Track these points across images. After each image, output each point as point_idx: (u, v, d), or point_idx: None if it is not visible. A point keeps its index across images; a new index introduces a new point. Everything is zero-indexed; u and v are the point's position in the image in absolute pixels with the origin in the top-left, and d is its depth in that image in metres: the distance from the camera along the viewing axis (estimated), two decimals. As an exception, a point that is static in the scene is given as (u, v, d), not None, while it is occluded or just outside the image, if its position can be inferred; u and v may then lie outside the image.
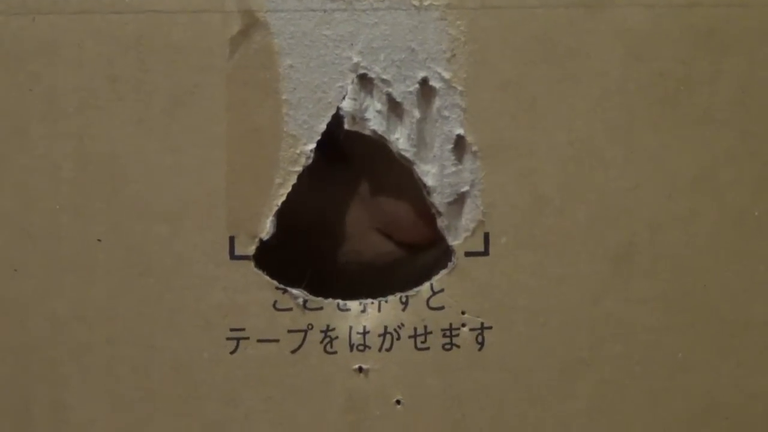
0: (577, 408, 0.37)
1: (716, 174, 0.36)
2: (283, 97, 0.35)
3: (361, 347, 0.36)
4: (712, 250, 0.36)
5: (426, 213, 0.37)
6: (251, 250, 0.36)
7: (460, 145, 0.36)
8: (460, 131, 0.36)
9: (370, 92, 0.35)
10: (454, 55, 0.35)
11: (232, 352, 0.36)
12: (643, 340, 0.36)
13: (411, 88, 0.35)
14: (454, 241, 0.36)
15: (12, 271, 0.36)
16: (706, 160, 0.36)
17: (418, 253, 0.42)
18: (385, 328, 0.36)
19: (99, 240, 0.36)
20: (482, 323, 0.36)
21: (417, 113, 0.36)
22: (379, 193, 0.40)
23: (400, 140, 0.36)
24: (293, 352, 0.36)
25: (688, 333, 0.36)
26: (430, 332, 0.36)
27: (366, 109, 0.36)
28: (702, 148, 0.36)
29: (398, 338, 0.36)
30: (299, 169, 0.35)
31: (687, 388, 0.37)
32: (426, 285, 0.36)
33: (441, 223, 0.36)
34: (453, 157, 0.36)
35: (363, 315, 0.37)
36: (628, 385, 0.36)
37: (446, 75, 0.35)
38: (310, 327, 0.36)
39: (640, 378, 0.36)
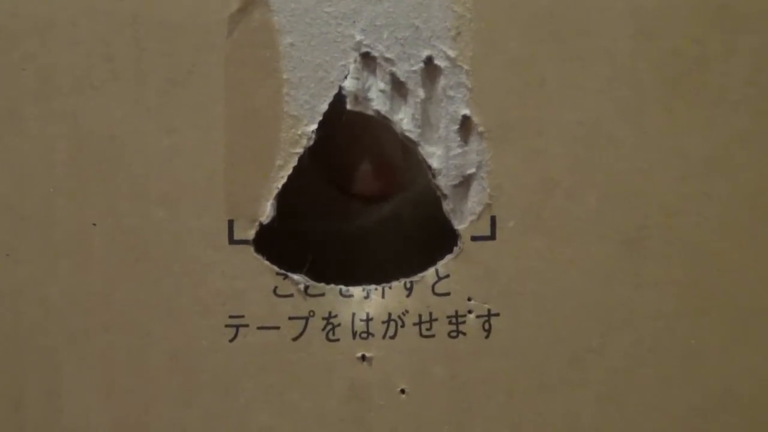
0: (586, 396, 0.36)
1: (730, 155, 0.35)
2: (284, 76, 0.34)
3: (364, 335, 0.36)
4: (725, 234, 0.35)
5: (380, 164, 0.36)
6: (251, 234, 0.35)
7: (466, 125, 0.35)
8: (466, 111, 0.35)
9: (373, 71, 0.35)
10: (459, 33, 0.35)
11: (231, 340, 0.35)
12: (654, 326, 0.36)
13: (415, 67, 0.35)
14: (460, 225, 0.36)
15: (4, 256, 0.35)
16: (719, 140, 0.35)
17: (373, 206, 0.41)
18: (389, 315, 0.36)
19: (94, 224, 0.35)
20: (489, 310, 0.36)
21: (421, 93, 0.35)
22: (331, 146, 0.39)
23: (404, 121, 0.35)
24: (294, 339, 0.35)
25: (701, 319, 0.36)
26: (436, 319, 0.36)
27: (369, 89, 0.35)
28: (715, 129, 0.35)
29: (402, 325, 0.36)
30: (300, 150, 0.35)
31: (700, 376, 0.36)
32: (431, 270, 0.36)
33: (446, 206, 0.36)
34: (459, 139, 0.35)
35: (366, 301, 0.36)
36: (639, 373, 0.36)
37: (451, 53, 0.35)
38: (311, 314, 0.35)
39: (651, 366, 0.36)
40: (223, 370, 0.35)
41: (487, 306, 0.36)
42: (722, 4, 0.35)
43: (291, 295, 0.35)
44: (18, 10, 0.34)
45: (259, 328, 0.35)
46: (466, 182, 0.35)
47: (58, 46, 0.34)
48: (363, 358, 0.35)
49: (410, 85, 0.35)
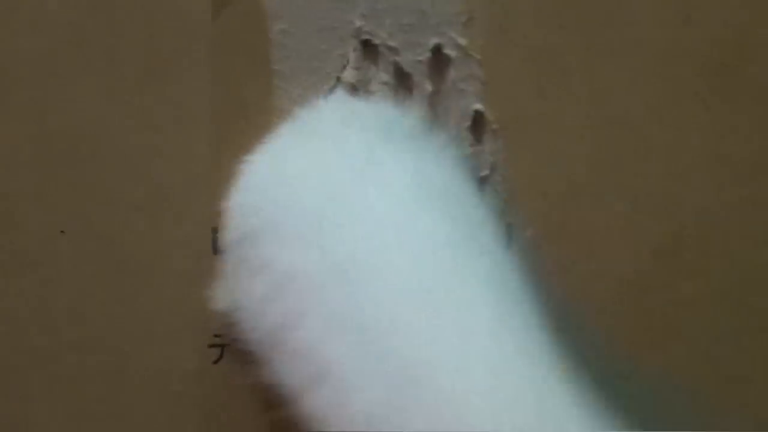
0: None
1: None
2: (275, 66, 0.33)
3: None
4: None
5: None
6: None
7: (478, 122, 0.34)
8: (479, 106, 0.34)
9: (374, 61, 0.34)
10: (471, 19, 0.33)
11: (216, 362, 0.34)
12: (689, 348, 0.34)
13: (421, 57, 0.33)
14: (472, 234, 0.34)
15: None
16: (763, 141, 0.34)
17: None
18: None
19: (62, 231, 0.33)
20: (504, 328, 0.33)
21: (429, 86, 0.34)
22: None
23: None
24: None
25: (741, 340, 0.34)
26: (444, 337, 0.34)
27: (370, 81, 0.34)
28: (759, 129, 0.34)
29: None
30: None
31: (739, 403, 0.34)
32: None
33: (456, 212, 0.34)
34: (470, 136, 0.34)
35: (368, 317, 0.34)
36: (670, 399, 0.34)
37: (462, 42, 0.33)
38: None
39: (685, 392, 0.34)
40: (207, 396, 0.34)
41: (501, 324, 0.34)
42: (768, -13, 0.33)
43: None
44: (-26, -12, 0.33)
45: None
46: (478, 185, 0.34)
47: (20, 29, 0.33)
48: None
49: (416, 76, 0.34)
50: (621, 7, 0.33)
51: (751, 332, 0.34)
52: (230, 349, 0.33)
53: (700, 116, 0.34)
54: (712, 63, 0.33)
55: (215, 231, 0.33)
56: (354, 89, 0.33)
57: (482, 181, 0.34)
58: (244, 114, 0.33)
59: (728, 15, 0.33)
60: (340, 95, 0.33)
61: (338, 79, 0.33)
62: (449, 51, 0.33)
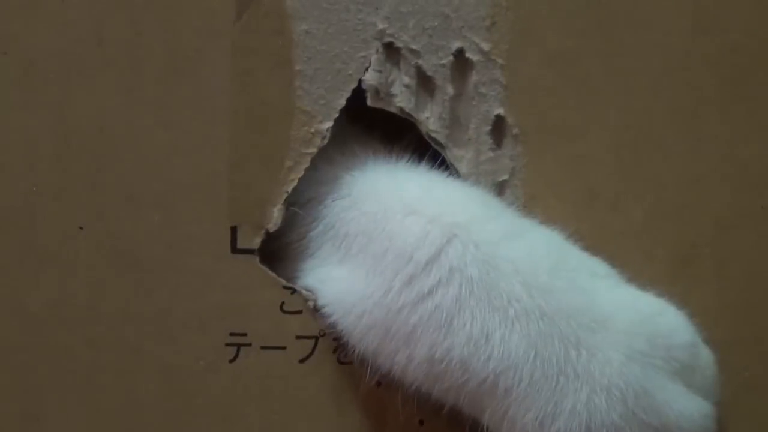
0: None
1: None
2: (297, 67, 0.33)
3: None
4: None
5: None
6: (256, 243, 0.33)
7: (499, 126, 0.34)
8: (500, 111, 0.34)
9: (396, 64, 0.33)
10: (494, 23, 0.33)
11: (231, 360, 0.34)
12: None
13: (444, 61, 0.33)
14: (491, 238, 0.34)
15: None
16: None
17: None
18: None
19: (81, 228, 0.33)
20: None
21: (450, 89, 0.34)
22: None
23: (431, 120, 0.34)
24: (302, 361, 0.34)
25: (757, 348, 0.34)
26: (460, 341, 0.34)
27: (392, 84, 0.34)
28: None
29: None
30: (313, 150, 0.33)
31: (755, 411, 0.34)
32: (456, 287, 0.34)
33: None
34: (491, 141, 0.34)
35: (383, 319, 0.34)
36: None
37: (485, 46, 0.33)
38: (321, 333, 0.33)
39: None
40: (221, 394, 0.34)
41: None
42: (789, -3, 0.33)
43: (299, 312, 0.34)
44: (0, -14, 0.32)
45: (262, 347, 0.34)
46: (497, 190, 0.34)
47: (44, 27, 0.33)
48: (379, 383, 0.33)
49: (438, 80, 0.34)
50: (643, 13, 0.33)
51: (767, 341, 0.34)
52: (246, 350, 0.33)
53: (718, 123, 0.34)
54: (731, 71, 0.33)
55: (234, 230, 0.33)
56: (376, 92, 0.33)
57: (502, 185, 0.34)
58: (265, 114, 0.33)
59: (747, 23, 0.33)
60: None
61: (360, 81, 0.33)
62: (471, 55, 0.33)
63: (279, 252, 0.34)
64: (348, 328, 0.31)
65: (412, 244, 0.30)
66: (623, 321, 0.29)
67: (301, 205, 0.34)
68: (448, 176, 0.34)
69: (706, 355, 0.30)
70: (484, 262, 0.29)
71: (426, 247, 0.29)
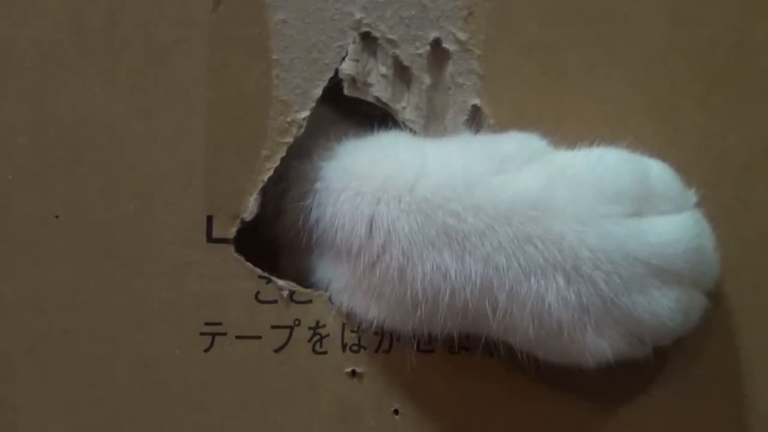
0: (598, 418, 0.34)
1: None
2: (274, 57, 0.33)
3: (355, 347, 0.34)
4: (764, 245, 0.34)
5: None
6: (232, 232, 0.34)
7: (475, 117, 0.34)
8: (476, 101, 0.34)
9: (373, 53, 0.34)
10: (471, 14, 0.33)
11: (206, 350, 0.34)
12: (682, 347, 0.33)
13: (421, 51, 0.34)
14: (467, 230, 0.34)
15: None
16: (759, 142, 0.34)
17: None
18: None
19: (57, 216, 0.33)
20: (495, 325, 0.34)
21: (427, 79, 0.34)
22: None
23: (407, 109, 0.34)
24: (277, 351, 0.34)
25: (732, 339, 0.34)
26: (436, 333, 0.34)
27: (369, 73, 0.34)
28: (755, 129, 0.34)
29: (398, 339, 0.34)
30: (290, 139, 0.33)
31: (728, 400, 0.34)
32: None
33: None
34: (467, 131, 0.34)
35: (358, 311, 0.34)
36: (659, 397, 0.34)
37: (462, 36, 0.34)
38: (296, 323, 0.34)
39: (679, 388, 0.34)
40: (196, 384, 0.34)
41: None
42: (767, -11, 0.34)
43: (274, 302, 0.34)
44: (-25, -27, 0.33)
45: (237, 337, 0.34)
46: None
47: (22, 15, 0.33)
48: (353, 373, 0.34)
49: (415, 70, 0.34)
50: (619, 6, 0.33)
51: (743, 331, 0.34)
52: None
53: (696, 116, 0.34)
54: (709, 63, 0.34)
55: (210, 219, 0.33)
56: (353, 81, 0.33)
57: None
58: (242, 103, 0.33)
59: (726, 15, 0.33)
60: None
61: (337, 70, 0.33)
62: (448, 45, 0.33)
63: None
64: (351, 310, 0.32)
65: (350, 222, 0.31)
66: (560, 196, 0.29)
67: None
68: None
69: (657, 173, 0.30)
70: (411, 213, 0.29)
71: (360, 221, 0.30)
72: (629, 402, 0.34)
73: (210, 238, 0.33)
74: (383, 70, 0.34)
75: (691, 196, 0.31)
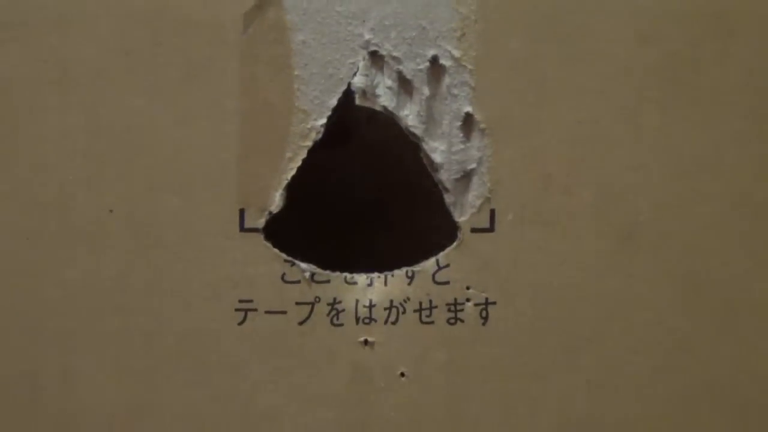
0: (577, 383, 0.37)
1: (721, 155, 0.36)
2: (295, 72, 0.35)
3: (367, 320, 0.36)
4: (715, 231, 0.36)
5: None
6: (261, 223, 0.36)
7: (468, 122, 0.36)
8: (469, 109, 0.35)
9: (380, 69, 0.35)
10: (464, 34, 0.35)
11: (240, 324, 0.36)
12: (645, 317, 0.36)
13: (421, 66, 0.35)
14: (461, 217, 0.36)
15: (24, 239, 0.36)
16: (711, 141, 0.36)
17: None
18: (391, 301, 0.36)
19: (111, 211, 0.35)
20: (486, 298, 0.36)
21: (426, 90, 0.36)
22: None
23: (410, 117, 0.36)
24: (300, 324, 0.36)
25: (690, 311, 0.36)
26: (435, 306, 0.36)
27: (377, 86, 0.35)
28: (708, 130, 0.36)
29: (404, 312, 0.36)
30: (309, 143, 0.35)
31: (686, 366, 0.36)
32: (432, 260, 0.36)
33: (448, 199, 0.37)
34: (461, 135, 0.36)
35: (369, 288, 0.36)
36: (628, 361, 0.36)
37: (456, 53, 0.35)
38: (317, 299, 0.36)
39: (641, 354, 0.36)
40: (231, 353, 0.36)
41: (484, 295, 0.36)
42: (718, 10, 0.35)
43: (298, 282, 0.36)
44: (41, 5, 0.35)
45: (267, 312, 0.36)
46: (467, 176, 0.36)
47: (78, 40, 0.35)
48: (365, 342, 0.36)
49: (416, 82, 0.35)
50: (592, 24, 0.35)
51: (697, 304, 0.36)
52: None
53: (657, 119, 0.35)
54: (668, 74, 0.35)
55: (242, 212, 0.35)
56: (363, 93, 0.35)
57: (470, 173, 0.36)
58: (268, 112, 0.35)
59: (683, 33, 0.35)
60: None
61: (349, 84, 0.35)
62: (445, 61, 0.35)
63: None
64: None
65: None
66: None
67: None
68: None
69: None
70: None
71: None
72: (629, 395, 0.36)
73: (242, 228, 0.35)
74: (389, 83, 0.35)
75: None
